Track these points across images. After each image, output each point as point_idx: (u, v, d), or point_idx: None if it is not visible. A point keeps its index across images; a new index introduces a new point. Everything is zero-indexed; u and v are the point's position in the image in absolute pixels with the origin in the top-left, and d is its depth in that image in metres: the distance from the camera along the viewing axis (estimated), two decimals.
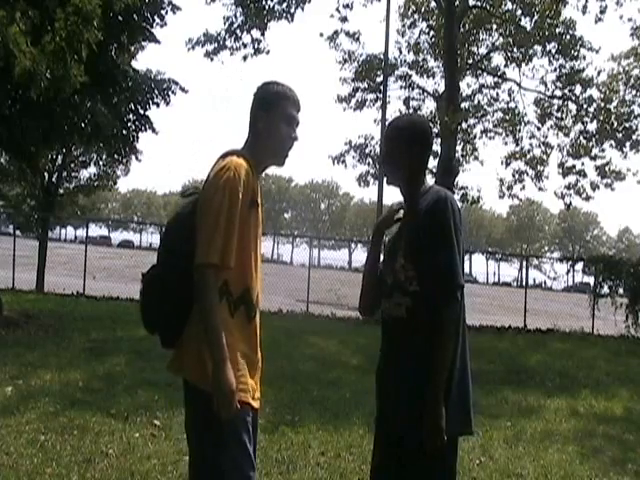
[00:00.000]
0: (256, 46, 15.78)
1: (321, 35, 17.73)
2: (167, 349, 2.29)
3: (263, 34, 15.67)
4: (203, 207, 2.17)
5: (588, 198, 17.83)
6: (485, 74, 18.71)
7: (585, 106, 17.55)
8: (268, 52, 16.09)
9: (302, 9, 15.47)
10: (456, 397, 2.29)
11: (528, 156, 18.08)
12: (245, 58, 15.86)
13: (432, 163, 14.35)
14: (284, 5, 15.32)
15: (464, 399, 2.34)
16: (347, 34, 17.51)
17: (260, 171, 2.37)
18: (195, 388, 2.14)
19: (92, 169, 19.76)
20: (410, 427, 2.27)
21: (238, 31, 15.50)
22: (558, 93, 18.00)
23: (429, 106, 18.71)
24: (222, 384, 2.04)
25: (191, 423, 2.23)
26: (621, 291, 14.70)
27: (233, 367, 2.08)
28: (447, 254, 2.28)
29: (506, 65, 18.40)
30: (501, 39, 18.21)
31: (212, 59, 15.66)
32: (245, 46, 15.70)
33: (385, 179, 2.56)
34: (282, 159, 2.41)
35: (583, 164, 17.85)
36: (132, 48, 13.12)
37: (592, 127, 17.60)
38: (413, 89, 18.55)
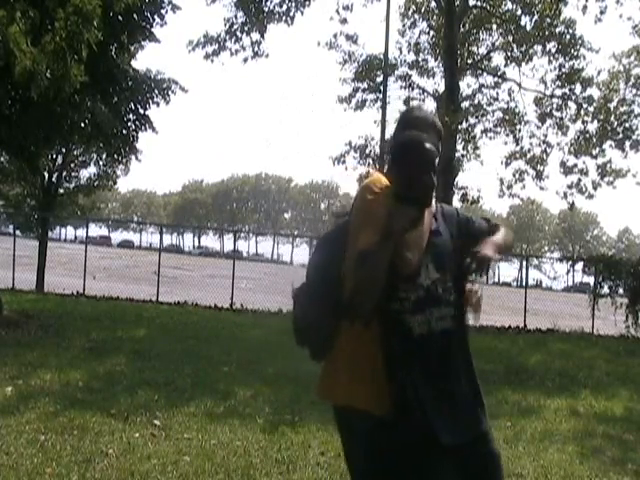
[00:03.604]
0: (255, 49, 15.83)
1: (318, 44, 17.83)
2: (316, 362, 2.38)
3: (262, 36, 15.70)
4: None
5: (591, 196, 17.85)
6: (485, 74, 18.71)
7: (585, 105, 17.56)
8: (267, 56, 16.14)
9: (302, 13, 15.49)
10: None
11: (528, 155, 18.09)
12: (245, 60, 15.91)
13: None
14: (284, 8, 15.34)
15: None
16: (347, 37, 17.53)
17: None
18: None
19: (92, 169, 19.72)
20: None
21: (238, 32, 15.53)
22: (558, 92, 18.01)
23: (429, 106, 18.70)
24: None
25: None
26: (621, 291, 14.67)
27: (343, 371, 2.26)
28: None
29: (506, 65, 18.42)
30: (501, 39, 18.21)
31: (212, 61, 15.71)
32: (244, 49, 15.75)
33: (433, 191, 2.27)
34: None
35: (584, 162, 17.88)
36: (132, 48, 13.11)
37: (592, 127, 17.62)
38: (413, 89, 18.54)
